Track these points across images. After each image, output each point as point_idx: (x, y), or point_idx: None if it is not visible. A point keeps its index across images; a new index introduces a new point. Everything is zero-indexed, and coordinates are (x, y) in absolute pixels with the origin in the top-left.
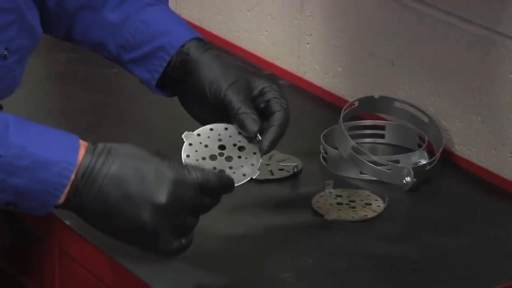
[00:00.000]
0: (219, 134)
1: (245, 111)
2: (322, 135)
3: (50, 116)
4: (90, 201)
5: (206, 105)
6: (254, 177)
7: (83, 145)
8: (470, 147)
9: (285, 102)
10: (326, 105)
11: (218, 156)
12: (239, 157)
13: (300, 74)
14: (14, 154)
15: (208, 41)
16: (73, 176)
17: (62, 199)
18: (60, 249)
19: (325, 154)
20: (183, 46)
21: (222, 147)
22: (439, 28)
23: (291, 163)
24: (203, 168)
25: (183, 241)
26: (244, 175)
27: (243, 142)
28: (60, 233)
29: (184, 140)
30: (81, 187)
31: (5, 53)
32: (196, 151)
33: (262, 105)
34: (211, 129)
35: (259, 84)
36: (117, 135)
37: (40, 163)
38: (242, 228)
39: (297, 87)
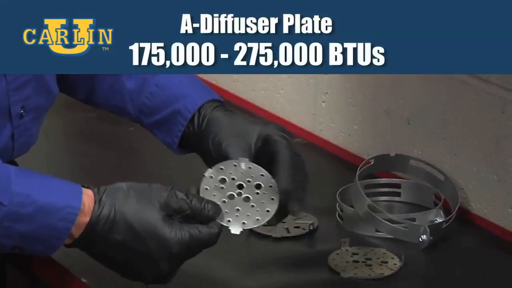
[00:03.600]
0: (231, 173)
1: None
2: (338, 193)
3: (67, 174)
4: (99, 252)
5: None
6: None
7: (85, 193)
8: (486, 205)
9: (287, 137)
10: (342, 163)
11: (236, 196)
12: (257, 193)
13: (316, 132)
14: (18, 203)
15: (223, 100)
16: (82, 221)
17: (69, 241)
18: None
19: (341, 212)
20: (199, 108)
21: (240, 186)
22: (455, 87)
23: (307, 221)
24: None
25: None
26: (268, 211)
27: (255, 178)
28: None
29: (202, 195)
30: (91, 238)
31: (21, 111)
32: (214, 195)
33: (267, 155)
34: (222, 168)
35: (263, 132)
36: None
37: (45, 209)
38: (258, 286)
39: (313, 145)
